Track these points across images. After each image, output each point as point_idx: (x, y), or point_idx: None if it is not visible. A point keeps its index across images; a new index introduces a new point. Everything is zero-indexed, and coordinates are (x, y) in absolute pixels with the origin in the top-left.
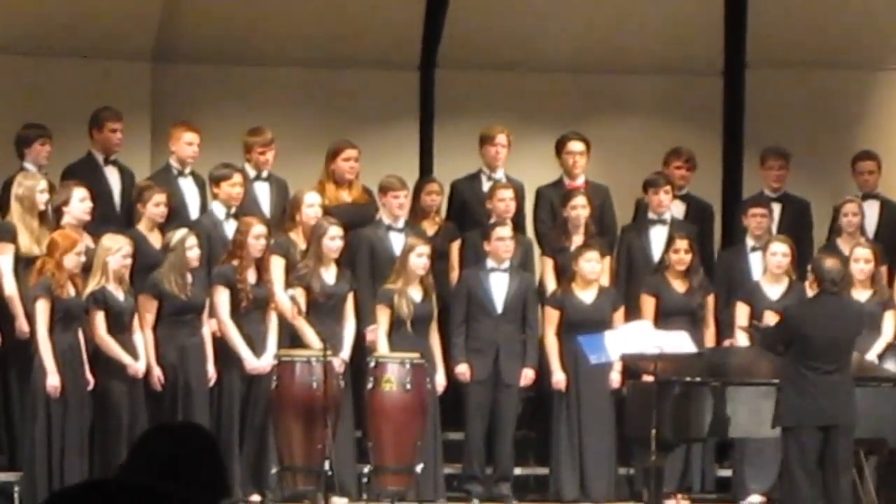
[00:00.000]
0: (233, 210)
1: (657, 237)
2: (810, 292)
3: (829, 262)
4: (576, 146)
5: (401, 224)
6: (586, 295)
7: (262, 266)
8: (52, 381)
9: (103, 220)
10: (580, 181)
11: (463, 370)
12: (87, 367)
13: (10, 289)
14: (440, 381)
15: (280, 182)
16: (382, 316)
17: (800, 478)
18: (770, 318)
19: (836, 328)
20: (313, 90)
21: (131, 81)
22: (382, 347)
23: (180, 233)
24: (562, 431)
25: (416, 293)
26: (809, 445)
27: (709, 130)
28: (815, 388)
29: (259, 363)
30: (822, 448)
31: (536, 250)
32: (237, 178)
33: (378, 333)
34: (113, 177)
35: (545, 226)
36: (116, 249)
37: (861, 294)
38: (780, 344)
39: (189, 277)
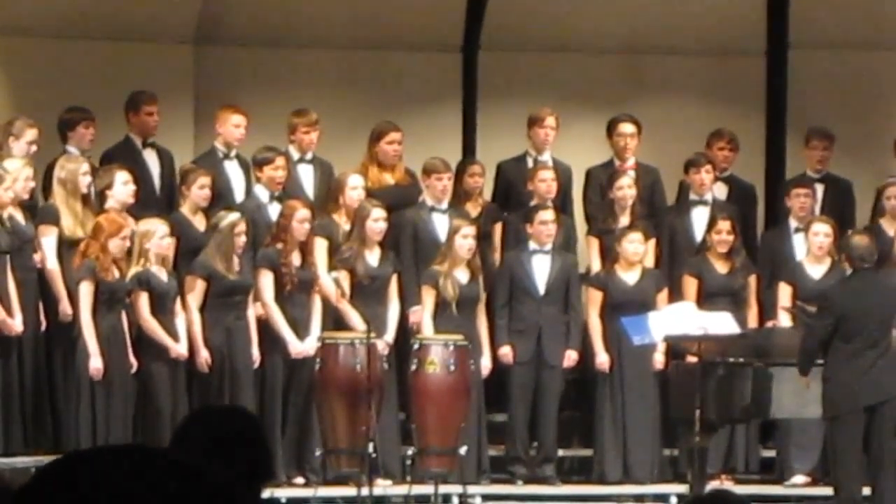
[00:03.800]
0: (276, 193)
1: (699, 218)
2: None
3: (856, 239)
4: (627, 128)
5: (444, 206)
6: (629, 276)
7: (306, 249)
8: (96, 363)
9: (143, 203)
10: (630, 163)
11: (506, 352)
12: (130, 349)
13: (54, 271)
14: (485, 364)
15: (324, 164)
16: (427, 297)
17: (849, 458)
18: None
19: (873, 302)
20: (356, 72)
21: (174, 64)
22: (427, 329)
23: (232, 216)
24: (605, 413)
25: (462, 275)
26: (857, 426)
27: (752, 111)
28: (858, 367)
29: (302, 346)
30: (868, 425)
31: (580, 232)
32: (280, 161)
33: (423, 314)
34: (152, 160)
35: (594, 206)
36: (153, 233)
37: None
38: (829, 328)
39: (235, 259)
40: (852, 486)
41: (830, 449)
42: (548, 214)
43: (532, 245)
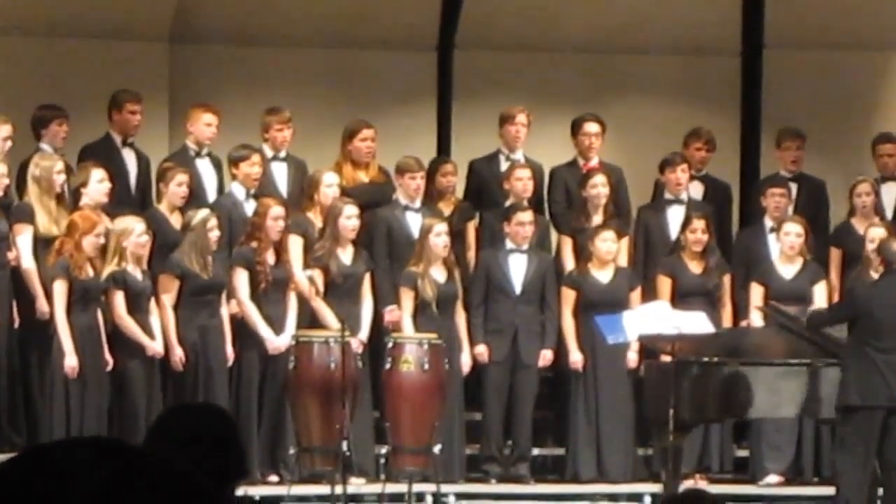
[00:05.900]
0: (252, 191)
1: (674, 217)
2: (874, 274)
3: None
4: (591, 127)
5: (417, 205)
6: (603, 275)
7: (280, 247)
8: (70, 361)
9: (119, 201)
10: (594, 162)
11: (481, 351)
12: (105, 347)
13: (30, 269)
14: (466, 362)
15: (298, 162)
16: (406, 299)
17: (855, 459)
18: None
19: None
20: (331, 71)
21: (149, 62)
22: (408, 330)
23: (202, 213)
24: (579, 412)
25: (439, 274)
26: (870, 426)
27: (726, 111)
28: (881, 367)
29: (280, 342)
30: (883, 428)
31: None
32: (256, 158)
33: (403, 316)
34: (130, 158)
35: (559, 206)
36: (130, 231)
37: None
38: (836, 322)
39: (210, 258)
40: (851, 483)
41: (837, 440)
42: (526, 216)
43: (509, 244)
